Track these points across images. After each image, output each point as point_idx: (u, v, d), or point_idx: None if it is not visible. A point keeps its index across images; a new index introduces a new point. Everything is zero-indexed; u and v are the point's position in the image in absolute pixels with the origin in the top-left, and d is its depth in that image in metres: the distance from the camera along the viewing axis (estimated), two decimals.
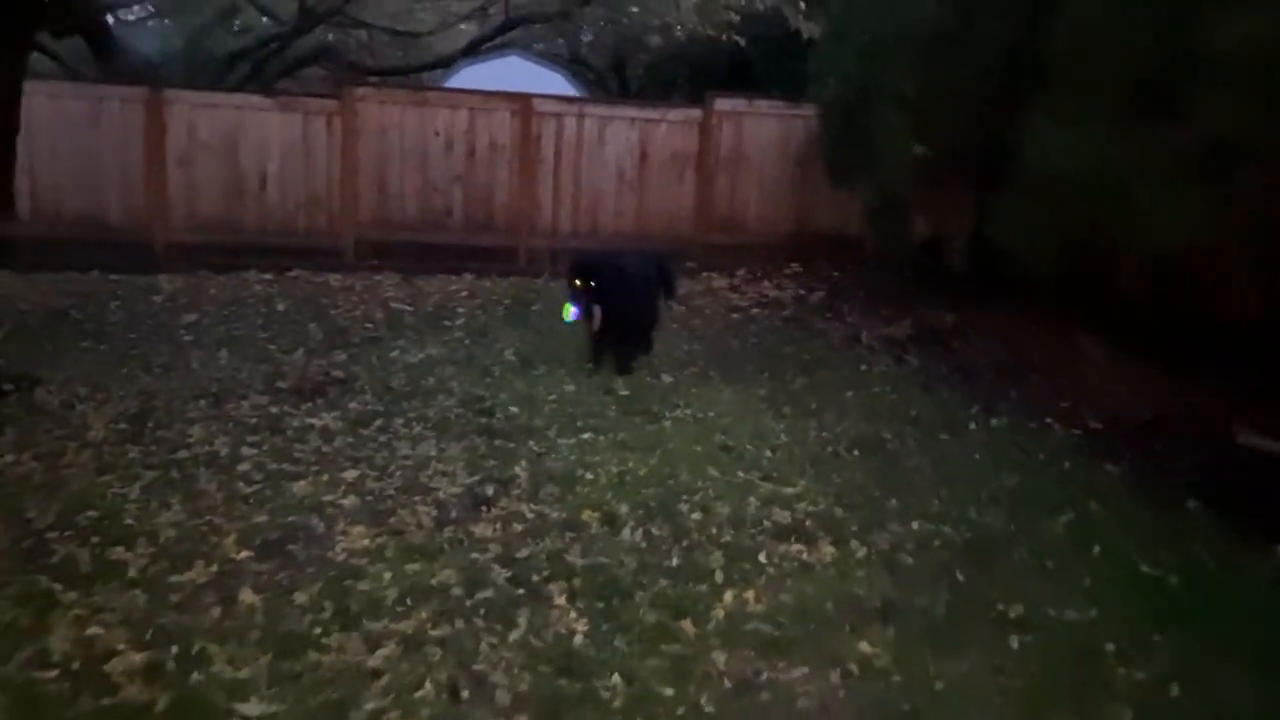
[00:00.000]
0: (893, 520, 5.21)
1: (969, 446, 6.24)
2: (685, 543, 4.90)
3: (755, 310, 9.86)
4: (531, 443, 6.13)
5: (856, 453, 6.15)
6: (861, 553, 4.85)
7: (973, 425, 6.58)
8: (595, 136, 11.76)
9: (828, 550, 4.86)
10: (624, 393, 7.12)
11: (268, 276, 10.76)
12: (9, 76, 6.50)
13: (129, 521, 4.94)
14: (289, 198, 11.52)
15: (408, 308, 9.58)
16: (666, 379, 7.53)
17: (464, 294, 10.26)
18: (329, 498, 5.28)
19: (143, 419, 6.29)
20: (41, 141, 10.98)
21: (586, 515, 5.14)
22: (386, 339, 8.41)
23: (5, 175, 6.65)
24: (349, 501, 5.24)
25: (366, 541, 4.83)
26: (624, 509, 5.22)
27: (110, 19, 15.54)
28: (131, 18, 17.92)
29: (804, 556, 4.80)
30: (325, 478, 5.53)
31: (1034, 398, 6.87)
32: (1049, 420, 6.55)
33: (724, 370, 7.80)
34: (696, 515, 5.20)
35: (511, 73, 13.82)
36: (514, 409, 6.71)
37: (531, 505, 5.25)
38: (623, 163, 11.87)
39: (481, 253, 11.63)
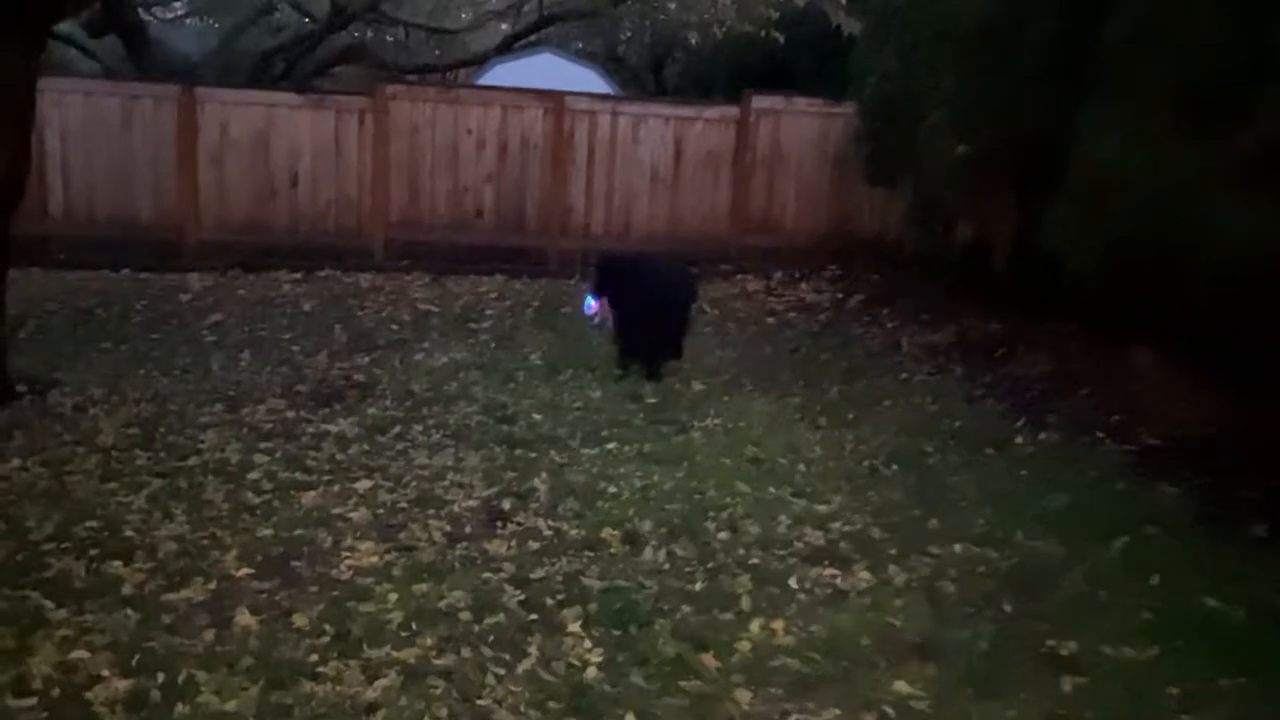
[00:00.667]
0: (933, 543, 4.84)
1: (1015, 463, 5.85)
2: (710, 565, 4.56)
3: (791, 315, 9.50)
4: (553, 453, 5.82)
5: (895, 468, 5.78)
6: (900, 579, 4.48)
7: (1019, 440, 6.19)
8: (629, 135, 11.45)
9: (863, 576, 4.50)
10: (652, 400, 6.80)
11: (297, 276, 10.54)
12: (23, 72, 6.28)
13: (129, 533, 4.68)
14: (320, 197, 11.30)
15: (435, 309, 9.31)
16: (697, 386, 7.20)
17: (493, 296, 9.99)
18: (339, 510, 5.00)
19: (155, 424, 6.05)
20: (75, 140, 10.87)
21: (607, 533, 4.82)
22: (411, 341, 8.14)
23: (21, 172, 6.43)
24: (359, 514, 4.95)
25: (374, 558, 4.53)
26: (646, 526, 4.90)
27: (148, 18, 15.43)
28: (169, 16, 17.82)
29: (837, 583, 4.45)
30: (337, 488, 5.25)
31: (1084, 412, 6.46)
32: (1100, 436, 6.14)
33: (757, 378, 7.45)
34: (723, 534, 4.86)
35: (545, 71, 13.53)
36: (537, 416, 6.41)
37: (549, 521, 4.93)
38: (657, 162, 11.55)
39: (512, 254, 11.36)
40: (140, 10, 14.46)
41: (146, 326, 8.43)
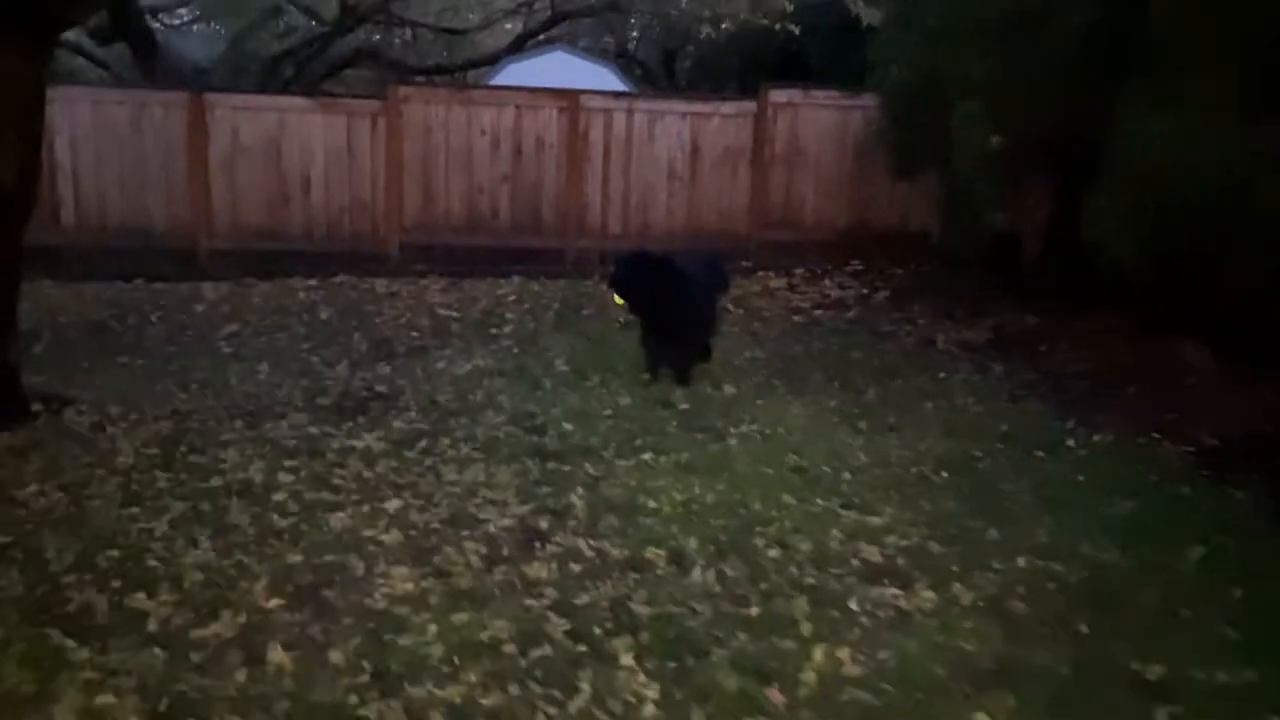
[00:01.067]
0: (995, 556, 4.56)
1: (1070, 467, 5.57)
2: (764, 586, 4.28)
3: (818, 312, 9.21)
4: (587, 465, 5.54)
5: (945, 474, 5.50)
6: (966, 598, 4.20)
7: (1070, 442, 5.90)
8: (645, 132, 11.17)
9: (926, 595, 4.22)
10: (684, 406, 6.52)
11: (312, 283, 10.29)
12: (32, 79, 6.01)
13: (153, 562, 4.42)
14: (333, 202, 11.04)
15: (454, 314, 9.04)
16: (728, 390, 6.92)
17: (512, 298, 9.71)
18: (369, 533, 4.72)
19: (175, 442, 5.79)
20: (85, 149, 10.63)
21: (651, 553, 4.54)
22: (432, 349, 7.87)
23: (32, 181, 6.16)
24: (390, 537, 4.68)
25: (410, 585, 4.26)
26: (692, 544, 4.62)
27: (155, 24, 15.16)
28: (176, 22, 17.55)
29: (900, 603, 4.16)
30: (366, 508, 4.97)
31: (1135, 410, 6.17)
32: (1156, 436, 5.85)
33: (790, 379, 7.17)
34: (774, 552, 4.58)
35: (558, 69, 13.24)
36: (567, 426, 6.13)
37: (590, 540, 4.65)
38: (674, 159, 11.27)
39: (529, 254, 11.08)
40: (148, 16, 14.19)
41: (162, 339, 8.17)
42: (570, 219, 11.19)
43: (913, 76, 8.73)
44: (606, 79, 13.78)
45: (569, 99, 10.98)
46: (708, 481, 5.32)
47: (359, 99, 11.33)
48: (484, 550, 4.57)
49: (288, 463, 5.52)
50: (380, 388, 6.84)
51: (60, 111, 10.59)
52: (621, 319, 6.84)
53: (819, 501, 5.13)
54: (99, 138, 10.70)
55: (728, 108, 11.31)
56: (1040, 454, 5.76)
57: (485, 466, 5.52)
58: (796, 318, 9.05)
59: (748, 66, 14.01)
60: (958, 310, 8.49)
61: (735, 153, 11.31)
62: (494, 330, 8.43)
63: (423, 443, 5.85)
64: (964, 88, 7.74)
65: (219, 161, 10.87)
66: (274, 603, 4.12)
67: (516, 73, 13.59)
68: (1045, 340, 7.35)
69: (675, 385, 6.85)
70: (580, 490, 5.20)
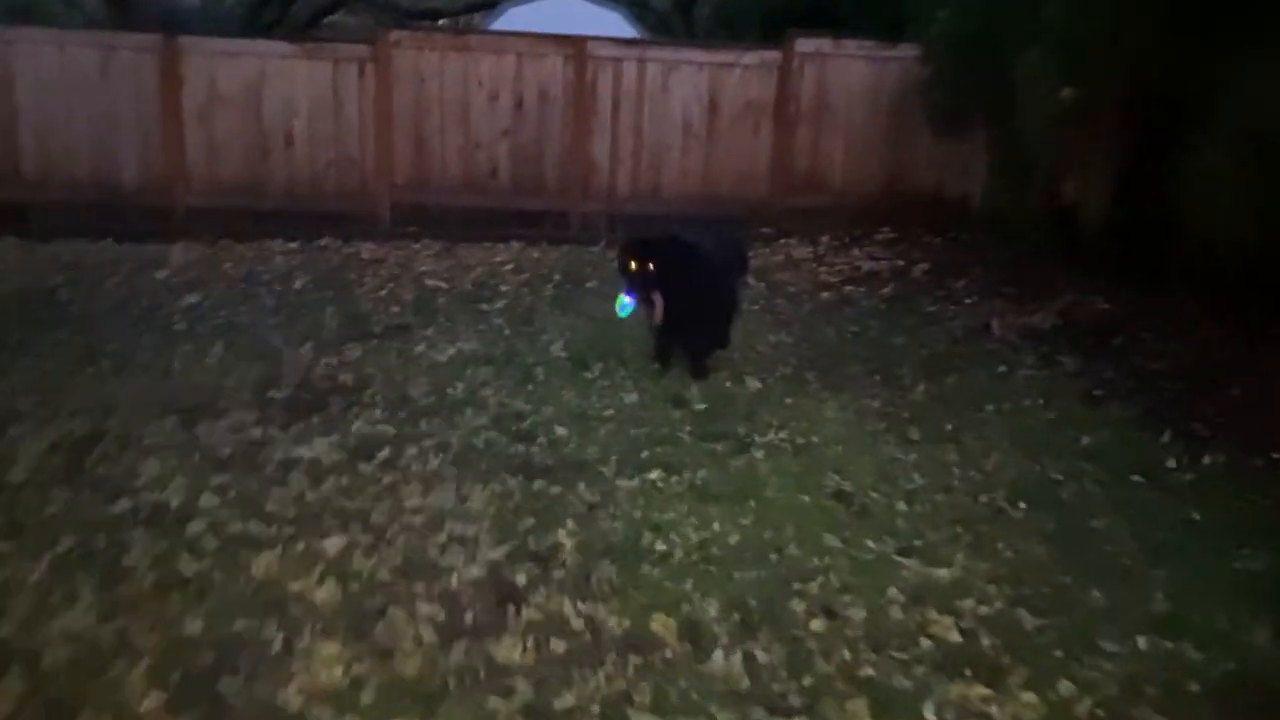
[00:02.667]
0: (1107, 633, 3.38)
1: (1177, 499, 4.36)
2: (807, 680, 3.11)
3: (849, 288, 7.97)
4: (582, 486, 4.37)
5: (1023, 506, 4.31)
6: (1081, 705, 3.03)
7: (1171, 463, 4.68)
8: (658, 84, 9.86)
9: (1026, 699, 3.05)
10: (700, 406, 5.33)
11: (293, 245, 9.09)
12: None
13: (7, 632, 3.28)
14: (318, 157, 9.80)
15: (443, 285, 7.83)
16: (752, 384, 5.72)
17: (509, 267, 8.49)
18: (297, 585, 3.57)
19: (87, 447, 4.63)
20: (49, 96, 9.42)
21: (659, 624, 3.37)
22: (414, 327, 6.66)
23: None
24: (324, 593, 3.52)
25: (338, 671, 3.11)
26: (711, 610, 3.46)
27: None
28: None
29: (993, 711, 3.00)
30: (300, 547, 3.81)
31: (1246, 421, 4.95)
32: (1278, 458, 4.65)
33: (823, 371, 5.96)
34: (817, 623, 3.41)
35: (563, 13, 11.91)
36: (560, 431, 4.96)
37: (580, 603, 3.48)
38: (690, 114, 9.96)
39: (530, 218, 9.85)
40: None
41: (112, 310, 6.99)
42: (575, 180, 9.93)
43: (964, 23, 7.42)
44: (617, 25, 12.43)
45: (575, 46, 9.68)
46: (730, 513, 4.14)
47: (346, 45, 10.04)
48: (442, 616, 3.41)
49: (216, 479, 4.35)
50: (345, 377, 5.65)
51: (21, 55, 9.40)
52: (622, 311, 5.57)
53: (870, 544, 3.95)
54: (65, 84, 9.47)
55: (749, 58, 9.98)
56: (1136, 479, 4.55)
57: (457, 487, 4.35)
58: (825, 294, 7.81)
59: (772, 13, 12.58)
60: (1010, 289, 7.23)
61: (757, 108, 10.01)
62: (485, 306, 7.22)
63: (385, 452, 4.67)
64: (1029, 33, 6.44)
65: (195, 112, 9.64)
66: (151, 701, 2.97)
67: (518, 17, 12.26)
68: (1121, 328, 6.11)
69: (690, 379, 5.65)
70: (571, 524, 4.03)
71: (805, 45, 9.85)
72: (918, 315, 7.06)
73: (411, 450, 4.70)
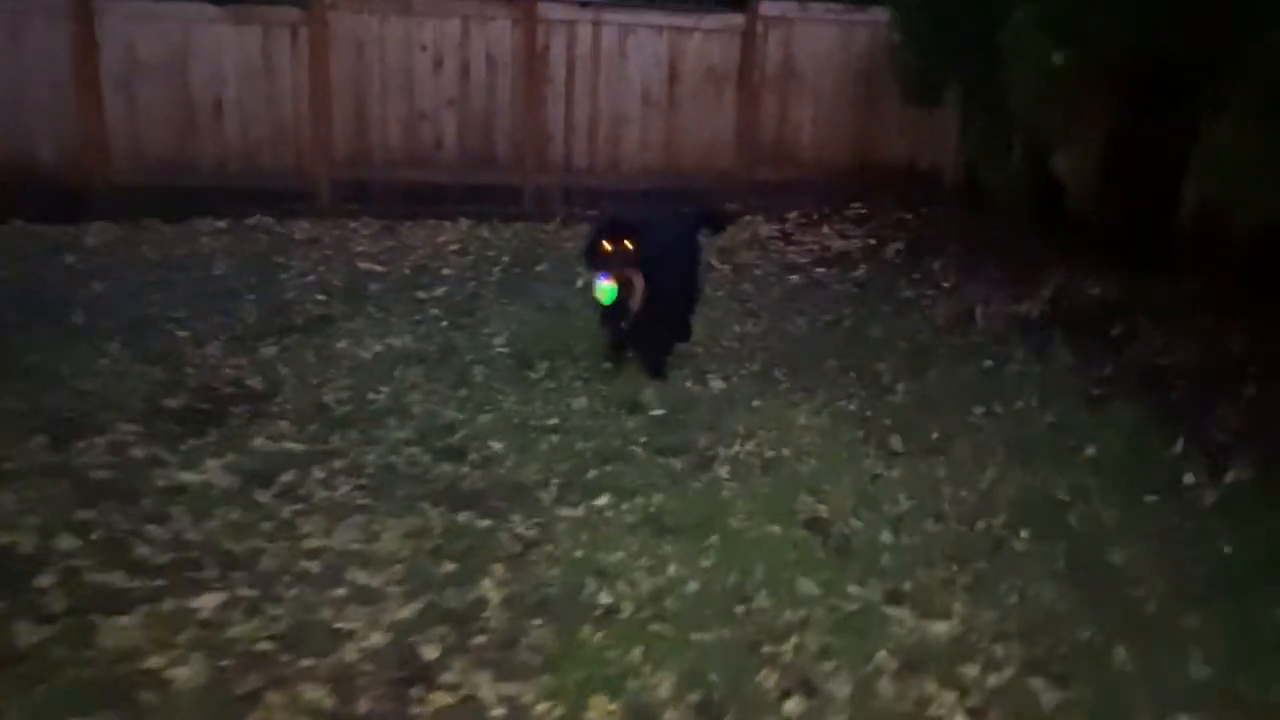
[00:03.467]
0: (1140, 710, 2.74)
1: (1202, 525, 3.72)
2: None
3: (819, 270, 7.27)
4: (516, 518, 3.67)
5: (1026, 535, 3.65)
6: None
7: (1190, 478, 4.03)
8: (615, 49, 9.07)
9: None
10: (656, 412, 4.64)
11: (222, 225, 8.24)
12: None
13: None
14: (250, 129, 8.91)
15: (378, 268, 7.05)
16: (715, 384, 5.03)
17: (454, 248, 7.72)
18: (157, 660, 2.85)
19: None
20: None
21: (598, 710, 2.69)
22: (339, 319, 5.89)
23: None
24: (188, 672, 2.81)
25: None
26: (664, 689, 2.77)
27: None
28: None
29: None
30: (167, 606, 3.09)
31: (1268, 425, 4.31)
32: None
33: (793, 368, 5.27)
34: (793, 705, 2.74)
35: None
36: (495, 446, 4.24)
37: (502, 684, 2.79)
38: (649, 81, 9.18)
39: (480, 193, 9.03)
40: None
41: (5, 302, 6.15)
42: (527, 151, 9.13)
43: None
44: None
45: (524, 8, 8.85)
46: (689, 550, 3.46)
47: (276, 7, 9.14)
48: (329, 703, 2.70)
49: (81, 514, 3.60)
50: (253, 381, 4.89)
51: None
52: (606, 298, 4.84)
53: (852, 589, 3.28)
54: None
55: (711, 21, 9.19)
56: (1152, 498, 3.91)
57: (368, 520, 3.63)
58: (794, 277, 7.11)
59: None
60: (993, 270, 6.56)
61: (720, 75, 9.24)
62: (422, 294, 6.46)
63: (287, 476, 3.94)
64: None
65: (113, 81, 8.70)
66: None
67: None
68: (1118, 316, 5.45)
69: (648, 377, 4.95)
70: (499, 570, 3.32)
71: (770, 8, 9.09)
72: (894, 301, 6.38)
73: (319, 473, 3.97)
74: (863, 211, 8.72)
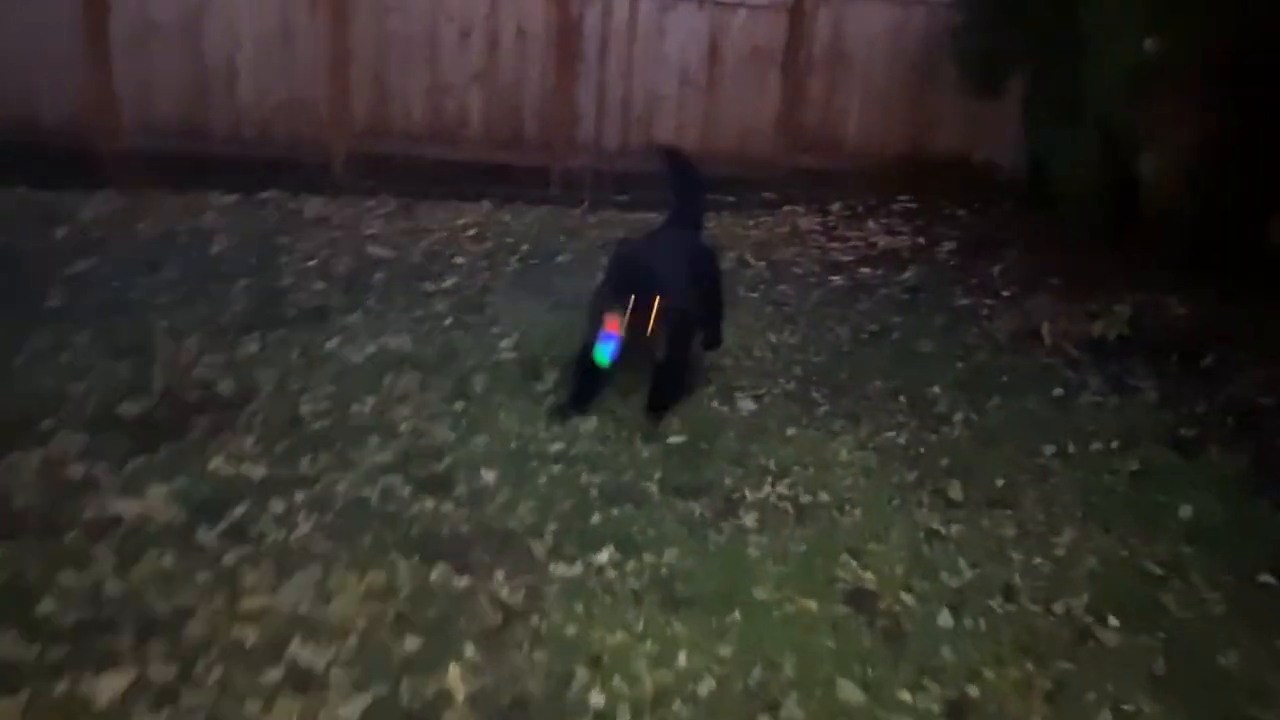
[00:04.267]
0: None
1: None
2: None
3: (864, 270, 6.52)
4: (500, 576, 3.01)
5: (1116, 623, 2.95)
6: None
7: None
8: (653, 25, 8.30)
9: None
10: (676, 439, 3.95)
11: (231, 199, 7.59)
12: None
13: None
14: (266, 96, 8.24)
15: (387, 254, 6.39)
16: (744, 405, 4.33)
17: (471, 233, 7.04)
18: None
19: None
20: None
21: None
22: (335, 313, 5.24)
23: None
24: None
25: None
26: None
27: None
28: None
29: None
30: (59, 689, 2.47)
31: None
32: None
33: (833, 388, 4.56)
34: None
35: None
36: (486, 477, 3.59)
37: None
38: (688, 60, 8.41)
39: (505, 174, 8.33)
40: None
41: None
42: (557, 131, 8.40)
43: None
44: None
45: None
46: (705, 632, 2.78)
47: None
48: None
49: None
50: (226, 384, 4.26)
51: None
52: (602, 359, 3.85)
53: (904, 696, 2.59)
54: None
55: None
56: (1266, 578, 3.18)
57: (324, 573, 2.98)
58: (836, 277, 6.37)
59: None
60: (1060, 281, 5.78)
61: (764, 55, 8.46)
62: (430, 285, 5.79)
63: (240, 509, 3.30)
64: None
65: (124, 41, 8.06)
66: None
67: None
68: (1210, 344, 4.68)
69: (649, 419, 4.15)
70: (471, 651, 2.67)
71: None
72: (948, 311, 5.63)
73: (276, 507, 3.33)
74: (912, 206, 7.94)
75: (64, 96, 8.13)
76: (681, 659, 2.67)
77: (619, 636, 2.74)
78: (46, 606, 2.76)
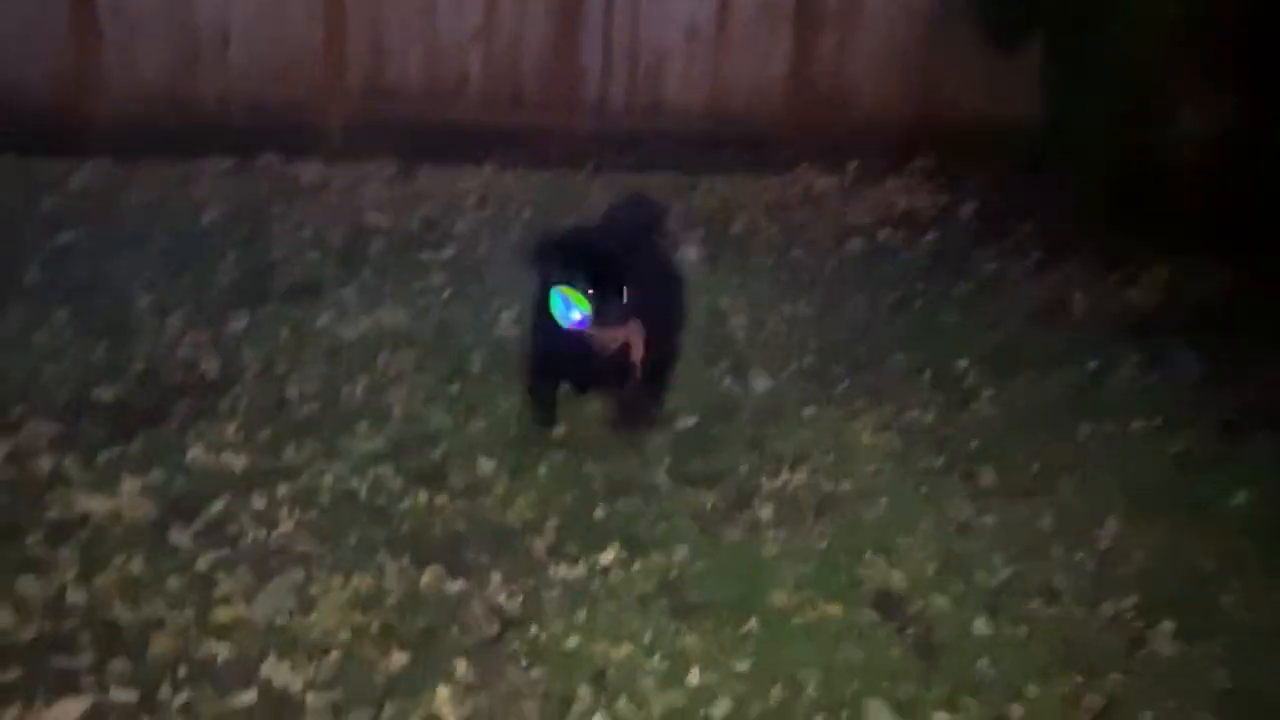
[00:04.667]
0: None
1: None
2: None
3: (883, 234, 6.20)
4: (496, 579, 2.76)
5: (1170, 626, 2.68)
6: None
7: None
8: None
9: None
10: (686, 422, 3.68)
11: (223, 167, 7.25)
12: None
13: None
14: (258, 59, 7.89)
15: (384, 222, 6.09)
16: (759, 382, 4.05)
17: (473, 199, 6.73)
18: None
19: None
20: None
21: None
22: (327, 286, 4.95)
23: None
24: None
25: None
26: None
27: None
28: None
29: None
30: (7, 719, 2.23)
31: None
32: None
33: (853, 363, 4.26)
34: None
35: None
36: (484, 466, 3.32)
37: None
38: (696, 13, 8.01)
39: (507, 136, 7.98)
40: None
41: None
42: (560, 90, 8.04)
43: None
44: None
45: None
46: (718, 645, 2.53)
47: None
48: None
49: None
50: (210, 365, 3.99)
51: None
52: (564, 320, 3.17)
53: (941, 717, 2.33)
54: None
55: None
56: None
57: (305, 579, 2.73)
58: (854, 241, 6.05)
59: None
60: (1087, 245, 5.44)
61: (775, 9, 8.05)
62: (428, 255, 5.50)
63: (218, 505, 3.04)
64: None
65: (112, 3, 7.75)
66: None
67: None
68: (1254, 316, 4.37)
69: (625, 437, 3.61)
70: (462, 669, 2.42)
71: None
72: (972, 279, 5.30)
73: (257, 502, 3.07)
74: (931, 165, 7.57)
75: (51, 62, 7.80)
76: (694, 676, 2.42)
77: (624, 649, 2.49)
78: (3, 620, 2.51)
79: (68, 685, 2.31)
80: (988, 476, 3.39)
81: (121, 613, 2.56)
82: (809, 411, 3.82)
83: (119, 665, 2.39)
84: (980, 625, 2.65)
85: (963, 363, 4.25)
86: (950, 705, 2.37)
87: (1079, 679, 2.48)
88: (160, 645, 2.46)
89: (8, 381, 3.77)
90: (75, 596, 2.62)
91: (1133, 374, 4.14)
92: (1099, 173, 5.76)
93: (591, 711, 2.29)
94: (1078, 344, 4.42)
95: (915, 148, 7.80)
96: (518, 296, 4.69)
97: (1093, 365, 4.22)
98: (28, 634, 2.48)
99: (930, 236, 6.06)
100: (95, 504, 3.02)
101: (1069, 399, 3.95)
